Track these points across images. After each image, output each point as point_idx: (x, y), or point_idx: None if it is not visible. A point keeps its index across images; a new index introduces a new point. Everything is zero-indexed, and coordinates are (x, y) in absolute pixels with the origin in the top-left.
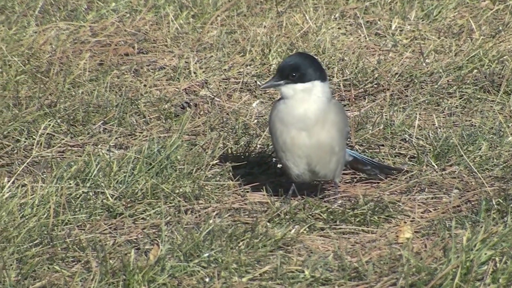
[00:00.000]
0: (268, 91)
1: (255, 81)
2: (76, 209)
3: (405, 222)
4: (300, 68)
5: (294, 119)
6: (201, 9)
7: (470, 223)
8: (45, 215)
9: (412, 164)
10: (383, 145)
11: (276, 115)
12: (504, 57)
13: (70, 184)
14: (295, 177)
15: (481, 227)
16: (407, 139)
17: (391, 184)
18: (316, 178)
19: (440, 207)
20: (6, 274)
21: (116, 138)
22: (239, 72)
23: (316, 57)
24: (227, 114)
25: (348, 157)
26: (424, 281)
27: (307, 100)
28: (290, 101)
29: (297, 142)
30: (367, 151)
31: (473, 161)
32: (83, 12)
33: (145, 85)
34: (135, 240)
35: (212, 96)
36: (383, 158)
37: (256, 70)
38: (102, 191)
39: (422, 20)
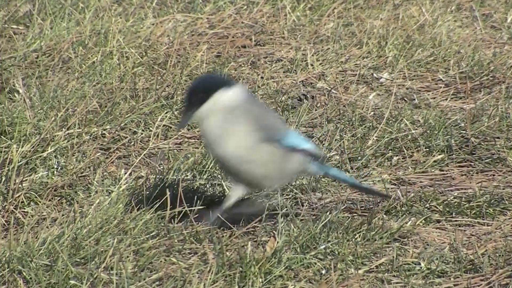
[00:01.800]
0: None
1: (372, 74)
2: (193, 201)
3: None
4: (199, 88)
5: (204, 137)
6: (318, 2)
7: None
8: (162, 207)
9: None
10: (498, 138)
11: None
12: None
13: (187, 175)
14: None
15: None
16: None
17: (507, 177)
18: (249, 188)
19: None
20: (123, 266)
21: None
22: (355, 64)
23: (214, 72)
24: (344, 106)
25: (317, 170)
26: None
27: (212, 116)
28: (203, 123)
29: (212, 154)
30: (482, 143)
31: None
32: (200, 4)
33: (262, 77)
34: (252, 232)
35: (329, 88)
36: (498, 151)
37: (372, 62)
38: (219, 182)
39: None
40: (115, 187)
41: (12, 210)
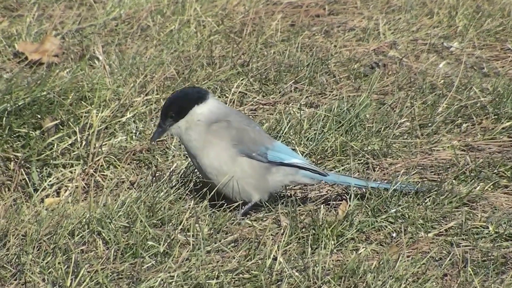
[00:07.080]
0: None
1: (442, 43)
2: None
3: None
4: (175, 103)
5: (186, 148)
6: None
7: None
8: None
9: None
10: None
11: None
12: None
13: None
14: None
15: None
16: None
17: None
18: (228, 198)
19: None
20: (199, 228)
21: (306, 97)
22: (426, 33)
23: (190, 87)
24: (415, 74)
25: (301, 177)
26: None
27: (190, 130)
28: (182, 136)
29: (194, 165)
30: None
31: None
32: None
33: (335, 46)
34: (324, 196)
35: (400, 57)
36: None
37: (443, 32)
38: (293, 148)
39: None
40: None
41: (92, 174)
